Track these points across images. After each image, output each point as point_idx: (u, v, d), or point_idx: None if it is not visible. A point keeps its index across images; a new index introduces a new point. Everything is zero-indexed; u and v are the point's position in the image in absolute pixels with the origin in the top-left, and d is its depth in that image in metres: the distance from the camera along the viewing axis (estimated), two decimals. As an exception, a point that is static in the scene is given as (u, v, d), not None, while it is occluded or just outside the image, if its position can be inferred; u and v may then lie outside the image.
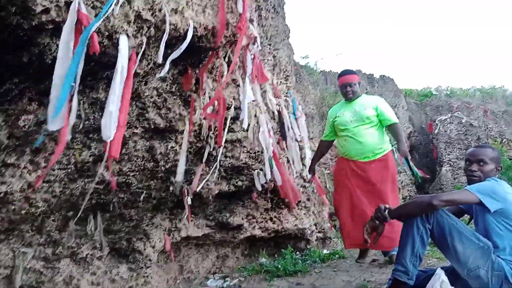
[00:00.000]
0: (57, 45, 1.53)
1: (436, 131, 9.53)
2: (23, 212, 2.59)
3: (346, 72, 3.87)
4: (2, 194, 2.32)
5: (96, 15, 1.57)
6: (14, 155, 2.22)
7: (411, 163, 3.92)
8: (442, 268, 2.20)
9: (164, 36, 2.06)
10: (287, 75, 5.08)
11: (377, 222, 2.23)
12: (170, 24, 2.10)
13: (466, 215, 2.48)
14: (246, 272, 4.27)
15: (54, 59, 1.59)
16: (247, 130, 3.67)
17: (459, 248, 2.06)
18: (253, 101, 3.99)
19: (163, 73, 2.32)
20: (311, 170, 4.15)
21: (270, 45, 4.64)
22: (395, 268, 2.14)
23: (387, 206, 2.23)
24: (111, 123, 1.64)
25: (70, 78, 1.53)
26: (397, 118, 9.48)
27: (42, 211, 2.73)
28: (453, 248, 2.07)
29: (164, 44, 2.11)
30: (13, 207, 2.51)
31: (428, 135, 10.05)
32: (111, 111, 1.65)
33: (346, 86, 3.72)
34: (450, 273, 2.16)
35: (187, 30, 2.28)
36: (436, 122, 9.64)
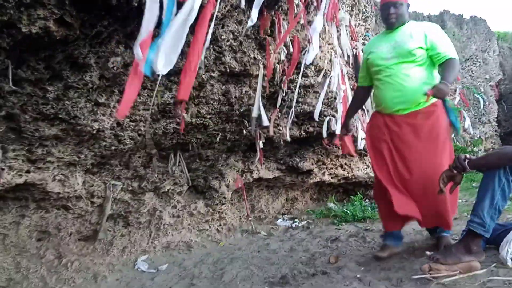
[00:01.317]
0: (143, -12, 1.59)
1: (531, 78, 8.64)
2: (113, 148, 2.84)
3: None
4: (95, 131, 2.56)
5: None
6: (105, 95, 2.41)
7: (450, 109, 2.70)
8: (523, 223, 2.10)
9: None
10: (367, 16, 4.84)
11: (455, 171, 2.15)
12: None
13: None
14: (314, 215, 4.39)
15: (141, 2, 1.67)
16: (318, 72, 3.62)
17: (546, 203, 1.94)
18: (328, 44, 3.90)
19: (250, 22, 2.32)
20: (345, 126, 3.04)
21: (350, -18, 4.40)
22: (471, 219, 2.08)
23: (467, 155, 2.13)
24: (160, 57, 1.62)
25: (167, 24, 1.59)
26: (486, 63, 8.74)
27: (129, 148, 2.97)
28: (538, 202, 1.96)
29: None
30: (104, 143, 2.76)
31: (520, 83, 9.15)
32: (158, 46, 1.62)
33: (388, 6, 2.64)
34: (532, 229, 2.06)
35: (265, -30, 2.24)
36: (532, 68, 8.71)
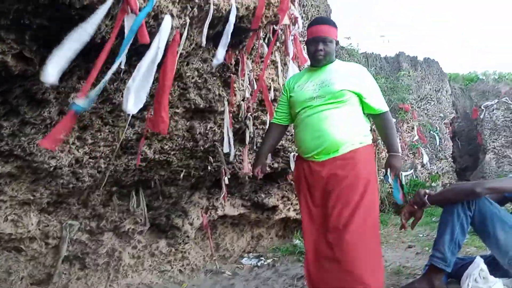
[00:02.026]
0: (106, 25, 1.59)
1: (481, 117, 9.15)
2: (70, 186, 2.73)
3: (320, 21, 2.53)
4: (52, 169, 2.45)
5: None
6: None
7: (402, 183, 2.65)
8: (481, 256, 2.15)
9: (208, 17, 2.08)
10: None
11: (415, 207, 2.20)
12: (213, 5, 2.12)
13: (510, 203, 2.41)
14: (280, 252, 4.33)
15: (103, 39, 1.65)
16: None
17: (501, 236, 2.01)
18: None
19: (216, 61, 2.33)
20: (256, 165, 2.67)
21: (310, 26, 4.58)
22: (433, 254, 2.12)
23: (427, 191, 2.19)
24: (130, 98, 1.62)
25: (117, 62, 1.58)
26: (439, 102, 9.21)
27: (88, 186, 2.87)
28: (494, 236, 2.03)
29: (207, 26, 2.13)
30: (61, 181, 2.65)
31: (472, 122, 9.68)
32: (128, 87, 1.63)
33: (317, 41, 2.37)
34: (490, 262, 2.11)
35: (229, 10, 2.29)
36: (482, 107, 9.25)
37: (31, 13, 1.41)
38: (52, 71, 1.38)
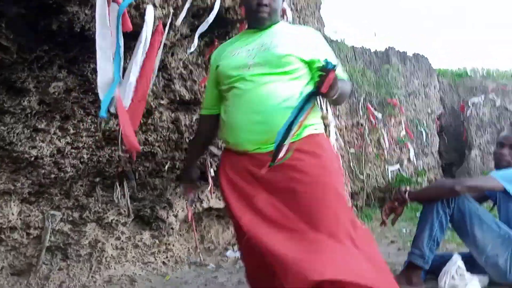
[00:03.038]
0: (85, 14, 1.56)
1: (468, 113, 9.24)
2: (52, 176, 2.69)
3: None
4: (33, 158, 2.42)
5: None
6: (44, 120, 2.30)
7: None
8: (459, 253, 2.18)
9: (186, 4, 2.05)
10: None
11: (396, 203, 2.22)
12: (197, -5, 2.10)
13: (489, 201, 2.44)
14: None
15: (83, 28, 1.62)
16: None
17: (479, 234, 2.04)
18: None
19: (192, 48, 2.33)
20: (188, 174, 2.26)
21: (299, 17, 4.55)
22: (411, 251, 2.15)
23: (407, 188, 2.21)
24: (130, 93, 1.67)
25: (118, 59, 1.58)
26: (427, 97, 9.23)
27: (70, 176, 2.84)
28: (472, 234, 2.06)
29: (185, 11, 2.10)
30: (43, 171, 2.61)
31: (459, 117, 9.77)
32: (131, 82, 1.66)
33: None
34: (467, 259, 2.15)
35: (215, 0, 2.27)
36: (469, 104, 9.34)
37: (7, 1, 1.37)
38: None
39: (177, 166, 3.45)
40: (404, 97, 7.93)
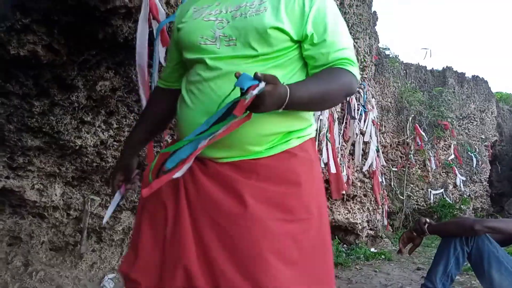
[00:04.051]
0: (129, 27, 1.71)
1: (527, 143, 8.73)
2: (94, 164, 2.91)
3: None
4: (77, 147, 2.63)
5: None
6: (91, 114, 2.50)
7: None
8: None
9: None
10: (364, 66, 4.98)
11: (414, 234, 2.20)
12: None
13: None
14: (289, 254, 4.40)
15: (126, 39, 1.78)
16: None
17: (496, 277, 1.99)
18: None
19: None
20: (115, 171, 1.54)
21: (350, 33, 4.55)
22: (424, 284, 2.13)
23: (427, 220, 2.19)
24: None
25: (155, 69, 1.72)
26: (483, 123, 8.86)
27: (111, 166, 3.04)
28: (489, 276, 2.00)
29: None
30: (86, 159, 2.83)
31: (517, 147, 9.25)
32: None
33: None
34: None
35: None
36: (529, 133, 8.82)
37: (60, 11, 1.54)
38: None
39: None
40: (457, 120, 7.64)
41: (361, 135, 4.63)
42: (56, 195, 2.98)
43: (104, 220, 1.77)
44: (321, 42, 1.17)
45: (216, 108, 1.06)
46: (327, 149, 3.83)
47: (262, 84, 0.93)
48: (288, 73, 1.17)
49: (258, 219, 1.08)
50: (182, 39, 1.23)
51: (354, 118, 4.41)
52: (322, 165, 3.91)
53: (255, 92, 0.92)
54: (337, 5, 4.00)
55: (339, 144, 4.31)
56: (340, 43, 1.18)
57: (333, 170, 3.91)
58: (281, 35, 1.14)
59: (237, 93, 0.96)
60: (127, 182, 1.49)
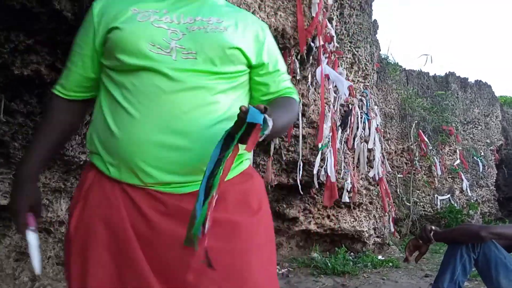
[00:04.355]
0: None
1: (533, 147, 8.67)
2: (99, 179, 2.93)
3: None
4: (82, 162, 2.66)
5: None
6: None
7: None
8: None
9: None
10: (366, 74, 4.99)
11: (420, 241, 2.19)
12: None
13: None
14: (296, 264, 4.38)
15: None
16: (310, 124, 3.73)
17: (504, 284, 1.97)
18: (325, 98, 4.03)
19: None
20: (22, 187, 1.18)
21: (351, 42, 4.59)
22: (431, 292, 2.11)
23: (433, 227, 2.18)
24: None
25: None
26: (487, 127, 8.80)
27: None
28: (497, 282, 1.99)
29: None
30: (91, 173, 2.86)
31: (523, 150, 9.19)
32: None
33: None
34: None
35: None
36: (535, 137, 8.76)
37: (64, 32, 1.57)
38: None
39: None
40: (461, 125, 7.61)
41: (365, 143, 4.63)
42: (61, 210, 3.00)
43: (38, 272, 1.21)
44: (275, 72, 1.23)
45: (179, 124, 1.04)
46: (330, 158, 3.84)
47: (271, 121, 0.91)
48: (240, 96, 1.19)
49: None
50: (124, 42, 1.08)
51: (358, 127, 4.42)
52: (323, 173, 3.91)
53: (270, 126, 0.90)
54: (337, 15, 4.04)
55: (343, 152, 4.32)
56: (286, 74, 1.29)
57: (333, 179, 3.90)
58: (241, 57, 1.15)
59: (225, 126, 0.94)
60: (36, 216, 1.21)
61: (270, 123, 0.90)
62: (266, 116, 0.89)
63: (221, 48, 1.10)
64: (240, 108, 0.89)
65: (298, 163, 3.72)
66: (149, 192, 1.06)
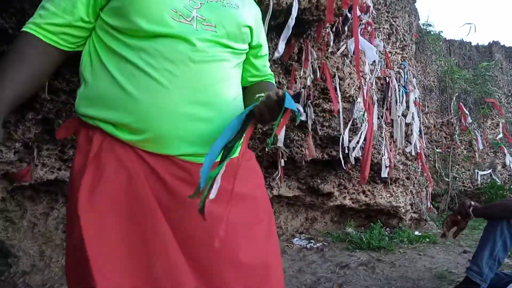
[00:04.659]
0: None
1: None
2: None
3: None
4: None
5: None
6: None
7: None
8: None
9: (269, 12, 2.16)
10: (404, 45, 4.82)
11: (459, 217, 2.15)
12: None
13: None
14: (331, 238, 4.40)
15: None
16: (345, 98, 3.68)
17: (547, 261, 1.92)
18: (360, 71, 3.94)
19: (278, 54, 2.43)
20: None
21: (388, 12, 4.43)
22: (469, 267, 2.08)
23: (472, 202, 2.13)
24: None
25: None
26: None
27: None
28: (539, 259, 1.93)
29: (268, 20, 2.21)
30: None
31: None
32: None
33: None
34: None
35: (290, 3, 2.35)
36: None
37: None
38: None
39: (250, 154, 3.64)
40: (505, 97, 7.27)
41: (402, 117, 4.51)
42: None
43: None
44: (265, 55, 1.30)
45: (205, 96, 1.03)
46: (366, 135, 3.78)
47: (301, 108, 0.96)
48: (239, 74, 1.21)
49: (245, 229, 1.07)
50: (143, 5, 1.00)
51: (396, 101, 4.30)
52: (358, 149, 3.87)
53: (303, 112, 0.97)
54: (374, -17, 3.88)
55: (378, 127, 4.24)
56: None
57: (357, 154, 3.83)
58: (249, 36, 1.18)
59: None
60: None
61: (302, 110, 0.96)
62: (299, 105, 0.94)
63: (237, 25, 1.12)
64: (277, 93, 0.93)
65: (342, 137, 3.66)
66: (171, 159, 1.02)
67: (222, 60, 1.08)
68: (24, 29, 1.04)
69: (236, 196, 0.99)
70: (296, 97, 0.95)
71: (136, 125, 0.99)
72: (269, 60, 2.84)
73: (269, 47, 2.77)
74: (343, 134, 3.65)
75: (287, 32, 2.39)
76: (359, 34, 3.37)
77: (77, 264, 0.91)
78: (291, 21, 2.35)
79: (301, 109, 0.95)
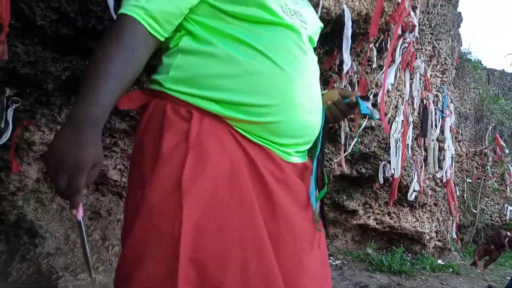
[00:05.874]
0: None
1: None
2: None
3: None
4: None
5: None
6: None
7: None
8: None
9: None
10: (445, 69, 4.75)
11: (492, 246, 2.07)
12: (322, 8, 2.20)
13: None
14: (351, 257, 4.33)
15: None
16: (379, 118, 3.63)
17: None
18: (397, 90, 3.89)
19: (347, 65, 2.48)
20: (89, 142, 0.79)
21: (432, 34, 4.37)
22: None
23: (508, 233, 2.05)
24: None
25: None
26: None
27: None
28: None
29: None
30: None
31: None
32: None
33: None
34: None
35: (339, 14, 2.35)
36: None
37: None
38: None
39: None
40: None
41: (436, 142, 4.42)
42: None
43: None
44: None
45: (313, 90, 1.00)
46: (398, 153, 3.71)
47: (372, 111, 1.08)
48: None
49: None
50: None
51: (431, 124, 4.22)
52: (388, 168, 3.80)
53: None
54: (421, 4, 3.85)
55: (411, 150, 4.17)
56: None
57: (397, 175, 3.77)
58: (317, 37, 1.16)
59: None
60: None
61: (374, 111, 1.12)
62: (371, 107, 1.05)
63: (317, 25, 1.11)
64: (350, 99, 1.03)
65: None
66: (267, 152, 0.92)
67: (315, 59, 1.04)
68: (127, 12, 0.86)
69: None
70: (366, 99, 1.03)
71: (264, 108, 0.90)
72: (337, 74, 2.85)
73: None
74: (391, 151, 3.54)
75: (347, 42, 2.40)
76: (398, 54, 3.35)
77: (153, 256, 0.79)
78: (347, 31, 2.36)
79: (374, 111, 1.07)
